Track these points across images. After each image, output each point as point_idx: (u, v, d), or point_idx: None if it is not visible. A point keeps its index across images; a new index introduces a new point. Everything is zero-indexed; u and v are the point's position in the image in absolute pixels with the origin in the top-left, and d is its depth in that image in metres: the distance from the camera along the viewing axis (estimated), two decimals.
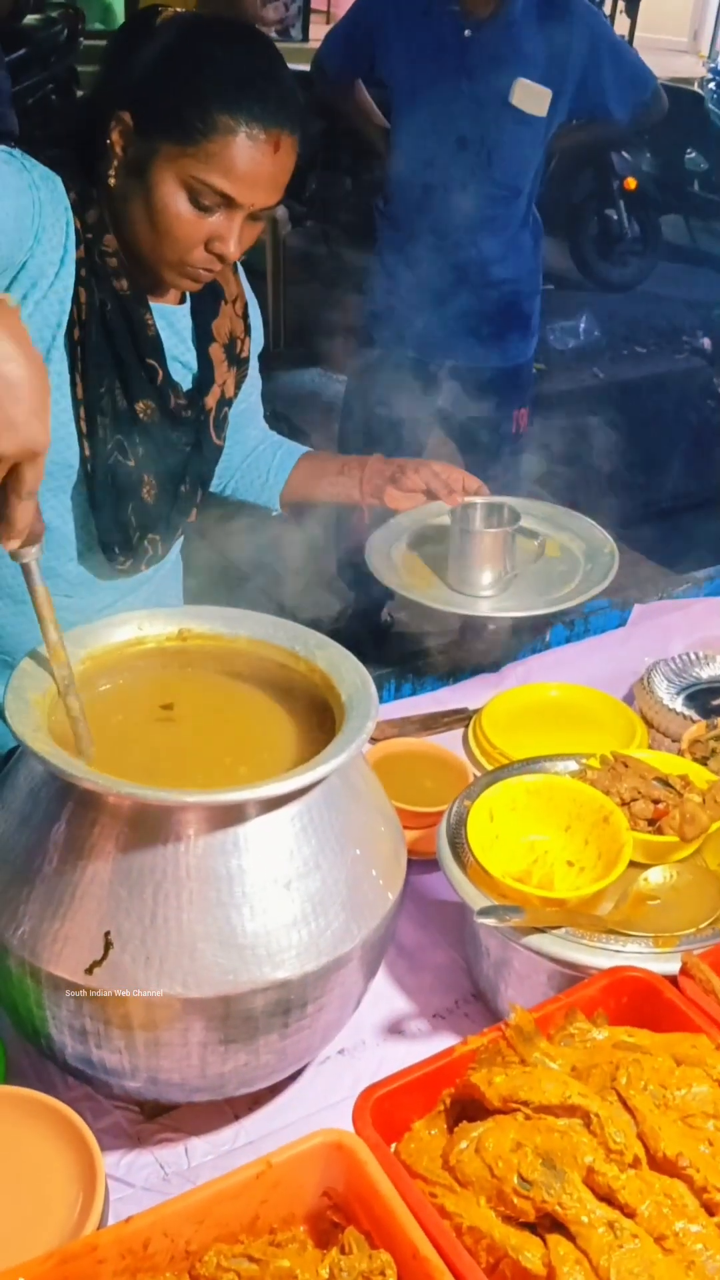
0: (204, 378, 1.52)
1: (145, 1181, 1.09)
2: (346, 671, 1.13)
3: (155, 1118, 1.14)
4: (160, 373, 1.44)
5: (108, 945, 0.97)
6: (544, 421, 3.30)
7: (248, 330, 1.60)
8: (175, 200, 1.29)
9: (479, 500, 1.71)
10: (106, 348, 1.37)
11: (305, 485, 1.75)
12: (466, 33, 2.66)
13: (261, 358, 1.70)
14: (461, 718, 1.72)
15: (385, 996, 1.27)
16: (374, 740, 1.63)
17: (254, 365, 1.68)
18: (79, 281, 1.33)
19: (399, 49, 2.79)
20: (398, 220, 2.93)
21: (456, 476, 1.70)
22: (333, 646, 1.17)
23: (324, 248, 6.83)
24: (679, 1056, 0.96)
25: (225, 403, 1.57)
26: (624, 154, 6.86)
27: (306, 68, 3.00)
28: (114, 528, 1.46)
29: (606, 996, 1.04)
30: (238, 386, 1.60)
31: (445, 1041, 1.25)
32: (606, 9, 9.90)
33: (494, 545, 1.66)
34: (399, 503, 1.69)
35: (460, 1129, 0.90)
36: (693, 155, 7.29)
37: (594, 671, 1.83)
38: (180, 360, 1.50)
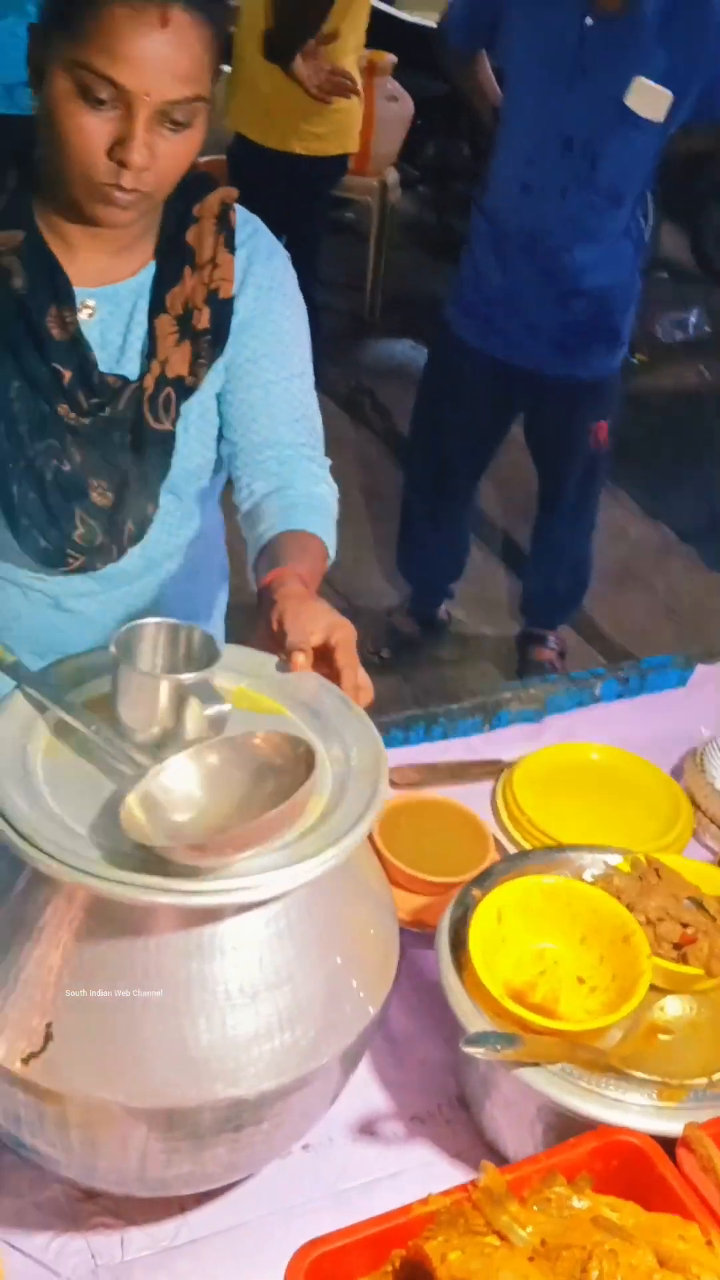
0: (147, 353, 1.35)
1: (73, 1271, 1.01)
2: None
3: (94, 1197, 1.06)
4: (67, 375, 1.31)
5: (48, 1038, 0.88)
6: (638, 418, 3.13)
7: (210, 300, 1.36)
8: (68, 100, 1.16)
9: (160, 621, 1.05)
10: (5, 352, 1.28)
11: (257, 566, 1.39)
12: (589, 21, 2.46)
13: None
14: (493, 770, 1.61)
15: (363, 1090, 1.17)
16: (394, 784, 1.53)
17: (281, 383, 1.41)
18: None
19: (518, 30, 2.61)
20: (492, 215, 2.77)
21: (302, 635, 1.07)
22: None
23: (433, 215, 6.60)
24: (663, 1253, 0.85)
25: (169, 382, 1.36)
26: None
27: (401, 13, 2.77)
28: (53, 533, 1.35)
29: (594, 1159, 0.94)
30: (195, 366, 1.37)
31: (420, 1150, 1.15)
32: None
33: (150, 693, 0.98)
34: (264, 643, 1.15)
35: None
36: None
37: (644, 734, 1.69)
38: (132, 341, 1.36)
